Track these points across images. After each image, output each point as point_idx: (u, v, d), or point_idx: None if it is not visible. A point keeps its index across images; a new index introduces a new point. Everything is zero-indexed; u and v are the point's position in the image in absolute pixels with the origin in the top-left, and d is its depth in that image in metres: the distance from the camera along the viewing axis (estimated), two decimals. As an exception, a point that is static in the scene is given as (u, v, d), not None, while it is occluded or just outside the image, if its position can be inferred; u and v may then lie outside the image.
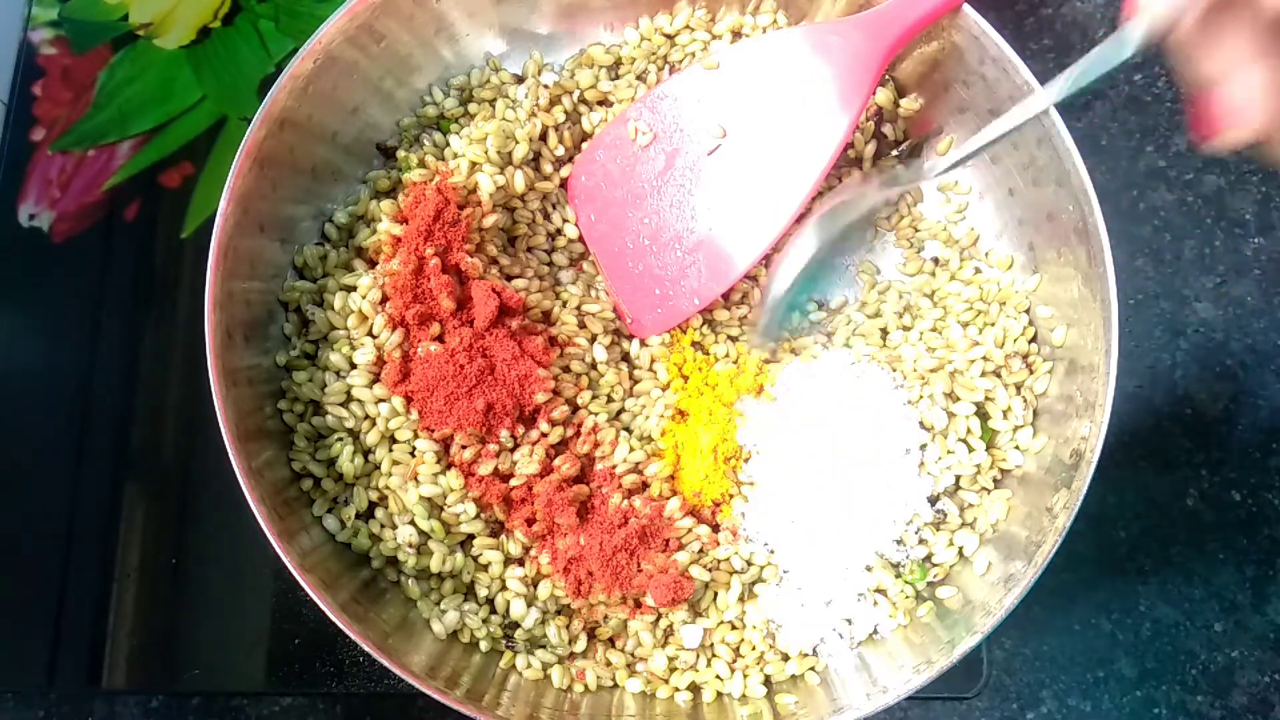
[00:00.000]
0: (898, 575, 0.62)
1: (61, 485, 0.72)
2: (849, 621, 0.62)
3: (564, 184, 0.69)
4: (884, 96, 0.68)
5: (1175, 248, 0.80)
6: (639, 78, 0.69)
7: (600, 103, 0.70)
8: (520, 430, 0.61)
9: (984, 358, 0.64)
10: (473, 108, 0.68)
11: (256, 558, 0.69)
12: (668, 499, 0.63)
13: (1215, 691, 0.71)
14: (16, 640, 0.70)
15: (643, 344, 0.67)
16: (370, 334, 0.62)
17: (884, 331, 0.67)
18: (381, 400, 0.61)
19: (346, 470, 0.61)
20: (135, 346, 0.74)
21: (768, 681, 0.62)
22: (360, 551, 0.61)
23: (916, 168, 0.69)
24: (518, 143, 0.66)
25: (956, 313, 0.66)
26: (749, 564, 0.63)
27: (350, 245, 0.65)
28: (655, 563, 0.60)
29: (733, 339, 0.68)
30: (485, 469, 0.60)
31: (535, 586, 0.62)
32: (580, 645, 0.62)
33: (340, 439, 0.62)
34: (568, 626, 0.62)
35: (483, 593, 0.62)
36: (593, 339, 0.66)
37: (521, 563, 0.62)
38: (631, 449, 0.63)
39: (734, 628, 0.63)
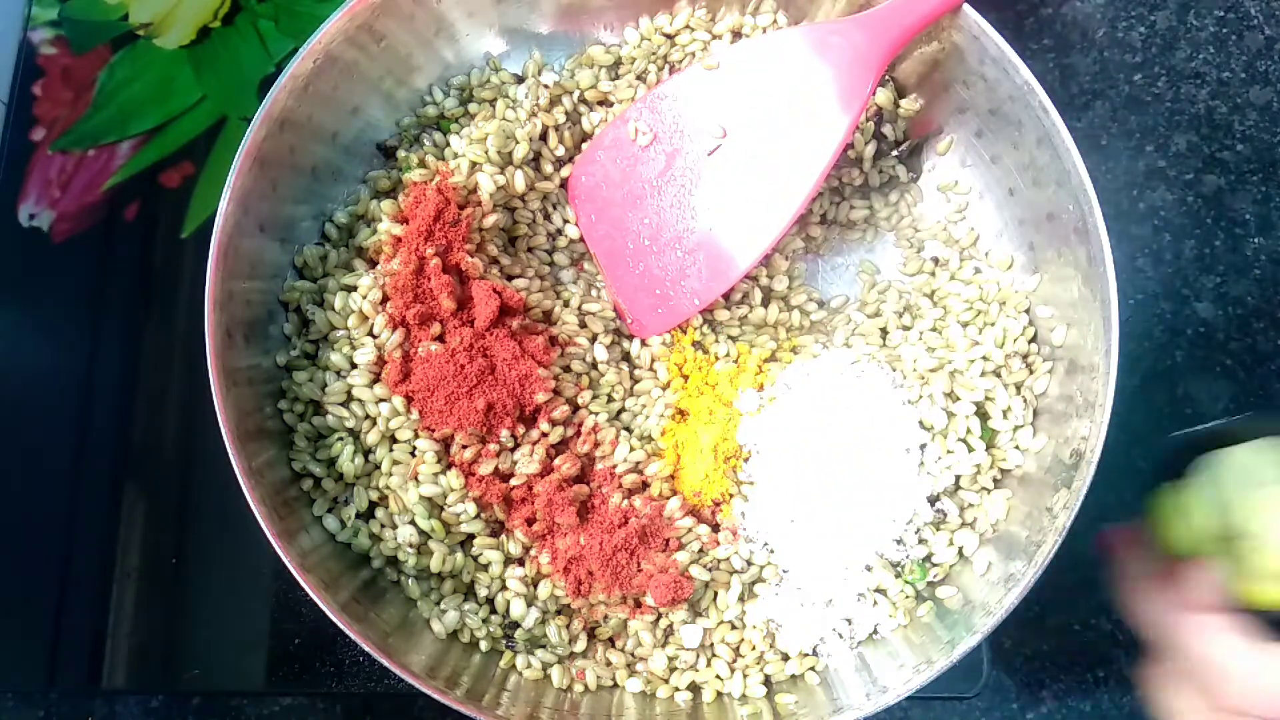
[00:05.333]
0: (898, 575, 0.62)
1: (61, 485, 0.72)
2: (849, 621, 0.62)
3: (564, 184, 0.69)
4: (884, 96, 0.68)
5: (1175, 248, 0.80)
6: (639, 78, 0.69)
7: (600, 103, 0.70)
8: (520, 430, 0.61)
9: (984, 357, 0.64)
10: (473, 108, 0.68)
11: (256, 558, 0.69)
12: (668, 499, 0.63)
13: (1215, 691, 0.71)
14: (16, 640, 0.70)
15: (643, 344, 0.67)
16: (371, 334, 0.62)
17: (884, 331, 0.67)
18: (382, 400, 0.61)
19: (347, 470, 0.61)
20: (135, 346, 0.74)
21: (768, 681, 0.62)
22: (360, 551, 0.61)
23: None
24: (518, 143, 0.66)
25: (956, 312, 0.66)
26: (749, 564, 0.63)
27: (350, 245, 0.65)
28: (655, 562, 0.60)
29: (733, 338, 0.68)
30: (485, 469, 0.60)
31: (535, 586, 0.62)
32: (580, 645, 0.62)
33: (340, 439, 0.62)
34: (568, 626, 0.62)
35: (483, 593, 0.62)
36: (593, 339, 0.66)
37: (521, 563, 0.62)
38: (632, 449, 0.63)
39: (734, 628, 0.63)
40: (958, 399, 0.63)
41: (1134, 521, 0.53)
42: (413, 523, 0.60)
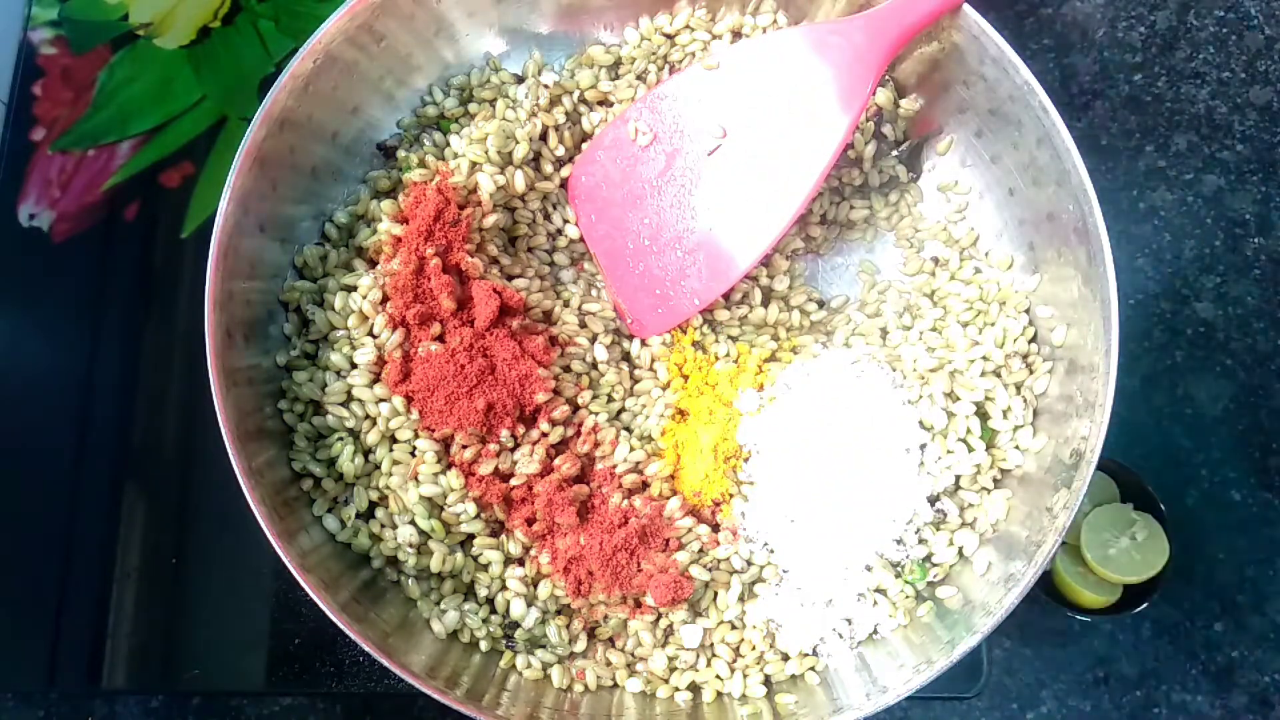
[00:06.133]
0: (898, 575, 0.62)
1: (61, 485, 0.72)
2: (849, 621, 0.62)
3: (564, 184, 0.69)
4: (884, 96, 0.68)
5: (1175, 248, 0.80)
6: (639, 78, 0.69)
7: (600, 103, 0.70)
8: (521, 430, 0.61)
9: (984, 358, 0.64)
10: (473, 108, 0.68)
11: (256, 558, 0.69)
12: (668, 499, 0.63)
13: (1215, 691, 0.71)
14: (16, 640, 0.70)
15: (643, 344, 0.67)
16: (371, 334, 0.62)
17: (884, 331, 0.67)
18: (382, 400, 0.61)
19: (347, 470, 0.61)
20: (135, 346, 0.74)
21: (768, 681, 0.62)
22: (360, 551, 0.61)
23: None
24: (518, 143, 0.66)
25: (956, 312, 0.66)
26: (749, 564, 0.63)
27: (350, 245, 0.65)
28: (655, 562, 0.60)
29: (733, 338, 0.68)
30: (485, 469, 0.60)
31: (535, 586, 0.62)
32: (580, 645, 0.62)
33: (340, 439, 0.62)
34: (568, 626, 0.62)
35: (483, 593, 0.62)
36: (593, 339, 0.66)
37: (521, 563, 0.62)
38: (632, 449, 0.63)
39: (734, 627, 0.63)
40: (958, 399, 0.63)
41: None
42: (413, 523, 0.60)
